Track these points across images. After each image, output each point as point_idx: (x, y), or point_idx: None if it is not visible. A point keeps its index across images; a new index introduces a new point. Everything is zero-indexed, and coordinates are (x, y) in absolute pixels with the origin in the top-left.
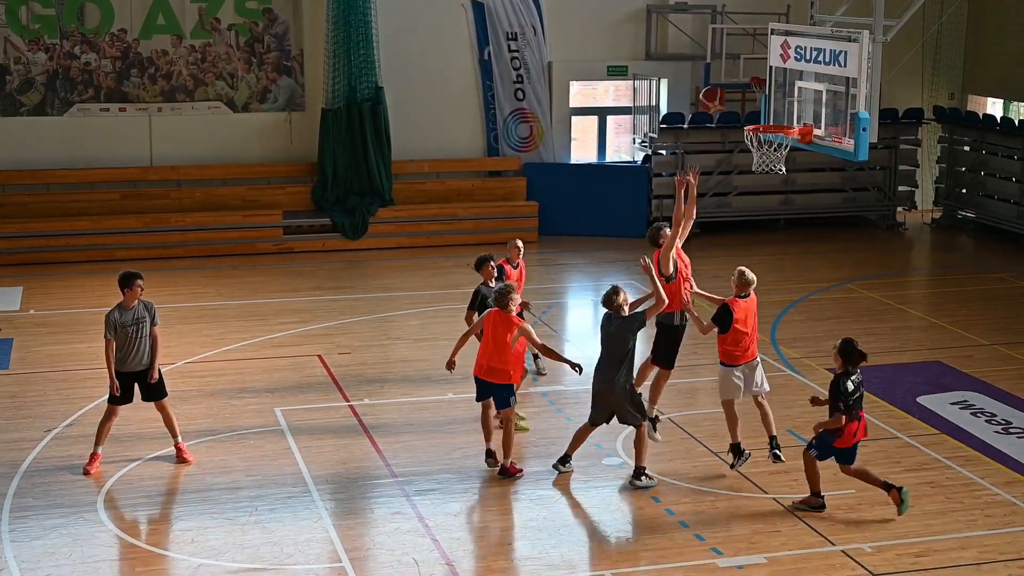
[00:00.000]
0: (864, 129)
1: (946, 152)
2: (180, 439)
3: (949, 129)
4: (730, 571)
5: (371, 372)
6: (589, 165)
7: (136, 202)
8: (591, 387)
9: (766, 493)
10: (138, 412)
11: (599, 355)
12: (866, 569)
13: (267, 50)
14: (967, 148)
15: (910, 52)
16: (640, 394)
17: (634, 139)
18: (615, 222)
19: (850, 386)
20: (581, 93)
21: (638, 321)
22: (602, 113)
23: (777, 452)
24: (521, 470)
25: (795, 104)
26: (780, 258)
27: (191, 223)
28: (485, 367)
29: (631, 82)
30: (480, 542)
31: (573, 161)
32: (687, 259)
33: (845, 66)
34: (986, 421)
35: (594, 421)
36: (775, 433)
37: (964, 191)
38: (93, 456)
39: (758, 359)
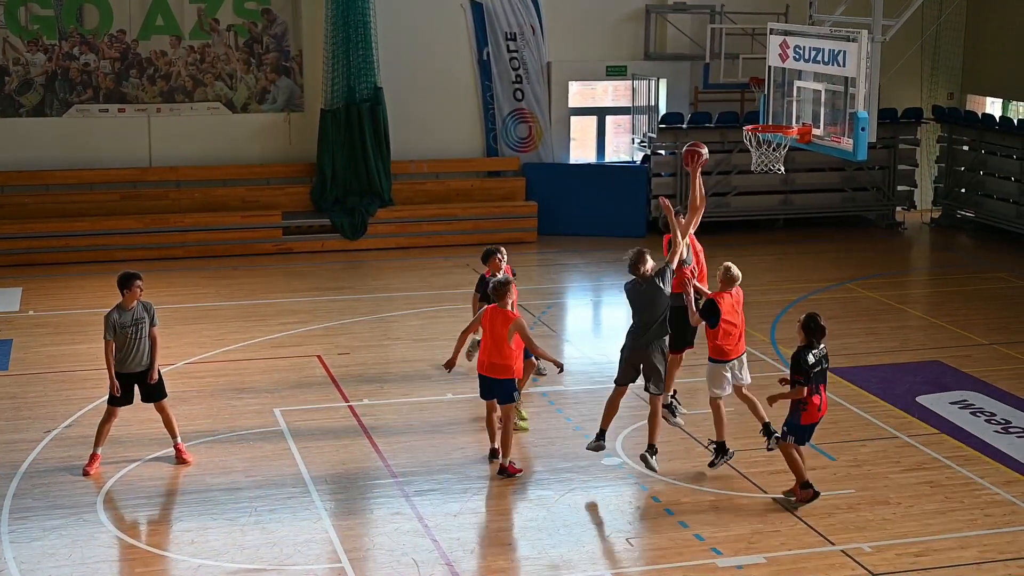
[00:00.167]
0: (863, 129)
1: (945, 152)
2: (180, 440)
3: (948, 129)
4: (730, 571)
5: (371, 372)
6: (588, 165)
7: (135, 203)
8: (621, 352)
9: (766, 493)
10: (138, 413)
11: (632, 321)
12: (866, 569)
13: (266, 51)
14: (966, 147)
15: (909, 52)
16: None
17: (633, 139)
18: (614, 222)
19: (811, 359)
20: (580, 93)
21: (663, 273)
22: (601, 113)
23: (776, 435)
24: (520, 470)
25: (794, 104)
26: (779, 258)
27: (190, 224)
28: (487, 364)
29: (630, 82)
30: (480, 542)
31: (572, 161)
32: (700, 246)
33: (844, 66)
34: (985, 420)
35: (621, 381)
36: (768, 419)
37: (963, 191)
38: (93, 457)
39: (745, 354)
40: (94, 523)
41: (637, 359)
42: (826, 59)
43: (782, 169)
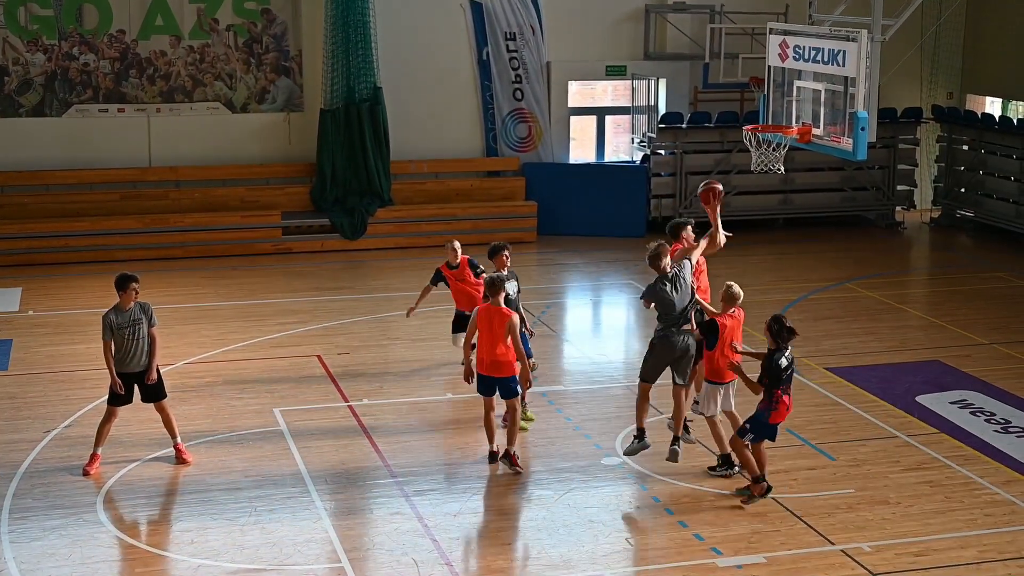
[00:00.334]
0: (863, 128)
1: (945, 151)
2: (179, 440)
3: (948, 128)
4: (729, 571)
5: (370, 372)
6: (588, 165)
7: (135, 203)
8: (651, 348)
9: (767, 495)
10: (137, 413)
11: (663, 318)
12: (865, 568)
13: (265, 51)
14: (966, 147)
15: (909, 51)
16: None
17: (633, 139)
18: (614, 222)
19: (783, 362)
20: (580, 93)
21: (684, 266)
22: (601, 113)
23: (735, 468)
24: (520, 467)
25: (794, 104)
26: (779, 258)
27: (190, 224)
28: (487, 362)
29: (630, 82)
30: (479, 542)
31: (572, 161)
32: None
33: (844, 65)
34: (985, 420)
35: (651, 378)
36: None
37: (963, 190)
38: (93, 457)
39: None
40: (94, 523)
41: (672, 354)
42: (826, 59)
43: (782, 169)
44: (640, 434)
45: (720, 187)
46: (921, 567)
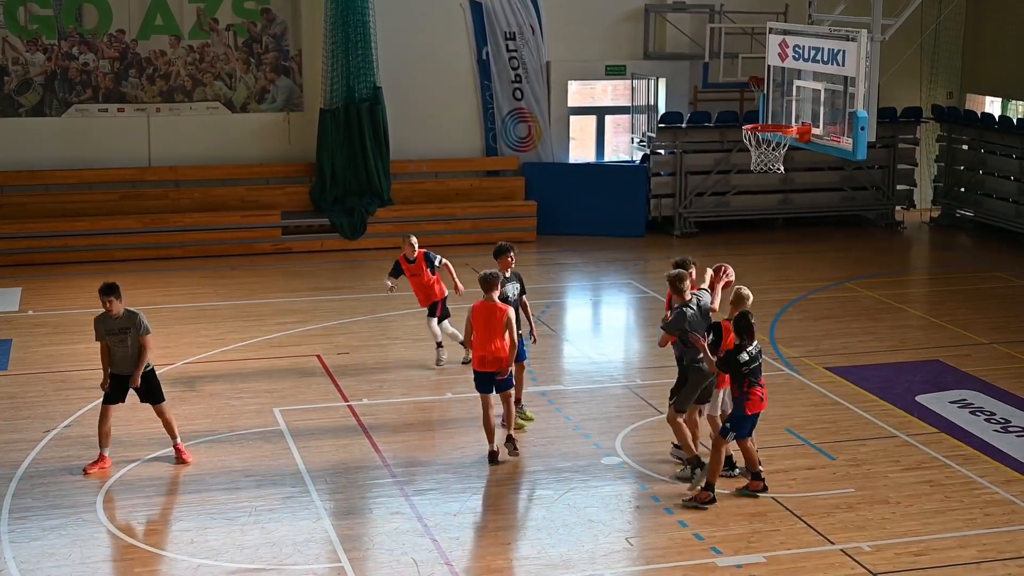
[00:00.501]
0: (862, 128)
1: (944, 151)
2: (179, 440)
3: (947, 128)
4: (729, 570)
5: (370, 372)
6: (587, 165)
7: (135, 203)
8: (687, 376)
9: (765, 492)
10: (137, 413)
11: (688, 342)
12: (865, 568)
13: (265, 50)
14: (965, 147)
15: (908, 51)
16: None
17: (632, 138)
18: (613, 222)
19: (744, 357)
20: (579, 92)
21: (704, 294)
22: (600, 113)
23: (698, 469)
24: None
25: (793, 103)
26: (779, 257)
27: (190, 223)
28: (486, 359)
29: (629, 81)
30: (479, 542)
31: (571, 161)
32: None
33: (843, 65)
34: (985, 420)
35: (687, 408)
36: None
37: (963, 190)
38: (101, 458)
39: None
40: (93, 523)
41: (704, 381)
42: (825, 58)
43: (781, 168)
44: (696, 462)
45: (732, 274)
46: (921, 567)
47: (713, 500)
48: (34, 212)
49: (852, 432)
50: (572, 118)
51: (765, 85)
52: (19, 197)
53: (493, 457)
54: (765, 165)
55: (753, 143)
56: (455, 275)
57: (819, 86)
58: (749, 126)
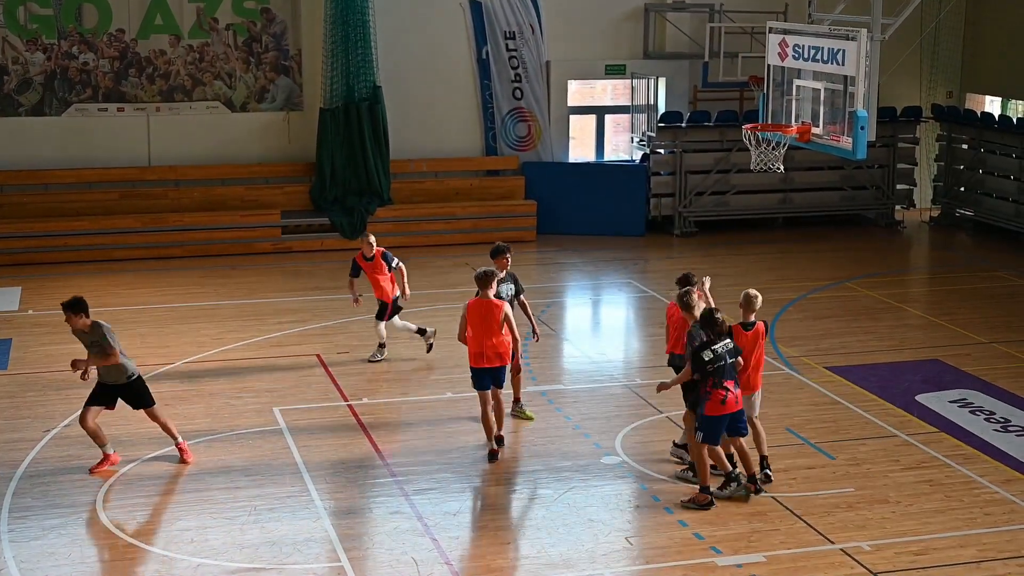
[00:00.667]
0: (862, 127)
1: (944, 150)
2: (180, 439)
3: (947, 127)
4: (729, 569)
5: (370, 371)
6: (587, 164)
7: (134, 202)
8: (732, 405)
9: (765, 492)
10: (138, 412)
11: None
12: (865, 567)
13: (265, 50)
14: (965, 146)
15: (908, 50)
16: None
17: (632, 138)
18: (613, 221)
19: (708, 355)
20: (579, 92)
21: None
22: (600, 112)
23: (768, 472)
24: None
25: (793, 102)
26: (778, 257)
27: (189, 223)
28: (486, 355)
29: (629, 81)
30: (479, 541)
31: (571, 160)
32: None
33: (843, 64)
34: (985, 419)
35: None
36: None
37: (962, 189)
38: (105, 456)
39: (757, 393)
40: (93, 522)
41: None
42: (825, 58)
43: (781, 168)
44: (735, 477)
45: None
46: (921, 566)
47: (712, 503)
48: (34, 211)
49: (852, 431)
50: (572, 117)
51: (765, 84)
52: (19, 196)
53: (493, 456)
54: (765, 164)
55: (753, 142)
56: (406, 281)
57: (819, 85)
58: (749, 125)
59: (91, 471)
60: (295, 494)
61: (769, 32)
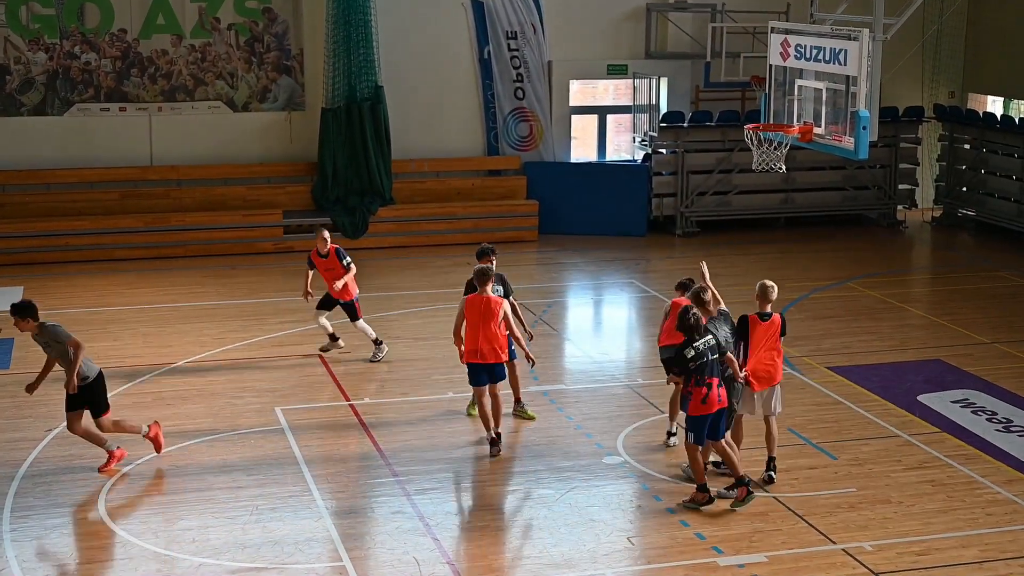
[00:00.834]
0: (864, 127)
1: (946, 150)
2: (116, 448)
3: (949, 127)
4: (731, 570)
5: (372, 371)
6: (589, 164)
7: (136, 202)
8: (735, 387)
9: (767, 492)
10: (139, 412)
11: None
12: (867, 568)
13: (267, 49)
14: (967, 146)
15: (910, 50)
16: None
17: (634, 138)
18: (615, 221)
19: (690, 353)
20: (581, 92)
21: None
22: (602, 112)
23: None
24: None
25: (795, 102)
26: (780, 257)
27: (191, 223)
28: (484, 351)
29: (631, 81)
30: (481, 541)
31: (573, 160)
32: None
33: (845, 64)
34: (987, 419)
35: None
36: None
37: (964, 189)
38: (110, 455)
39: (778, 386)
40: (95, 521)
41: (738, 391)
42: (827, 58)
43: (783, 168)
44: (745, 482)
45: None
46: (923, 566)
47: (711, 501)
48: (36, 211)
49: (854, 432)
50: (574, 117)
51: (767, 84)
52: (21, 196)
53: (493, 444)
54: (767, 164)
55: (755, 142)
56: (350, 279)
57: (821, 85)
58: (751, 125)
59: (100, 470)
60: (297, 494)
61: (771, 32)
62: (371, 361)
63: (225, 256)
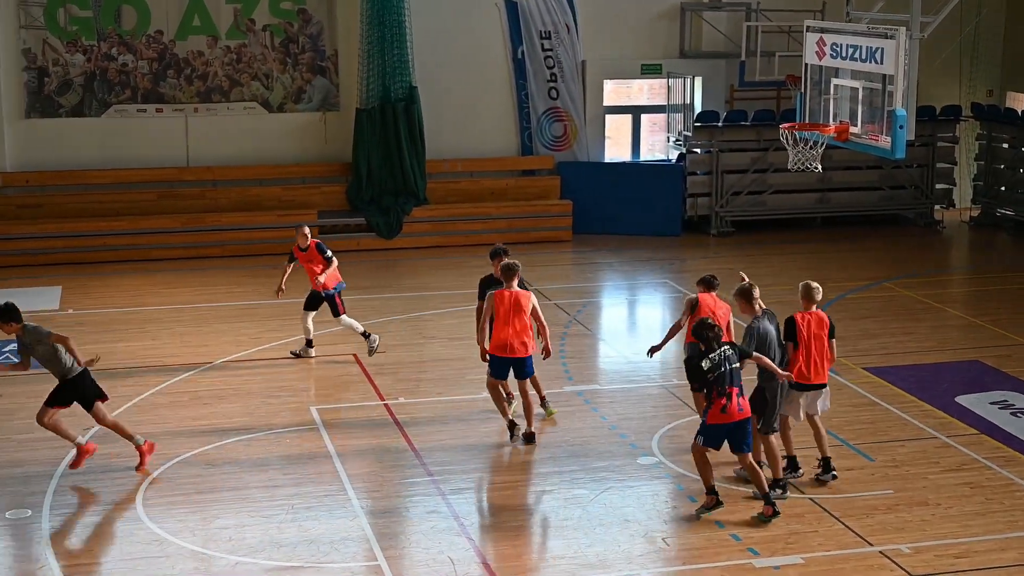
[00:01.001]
0: (901, 127)
1: (984, 149)
2: (83, 441)
3: (987, 126)
4: (767, 571)
5: (406, 371)
6: (623, 164)
7: (172, 202)
8: (764, 395)
9: (803, 493)
10: (176, 411)
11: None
12: (904, 570)
13: (302, 50)
14: (1006, 145)
15: (948, 48)
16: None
17: (668, 137)
18: (649, 221)
19: (706, 364)
20: (615, 91)
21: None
22: (636, 111)
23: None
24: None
25: (831, 102)
26: (817, 257)
27: (227, 223)
28: (510, 345)
29: (665, 80)
30: (515, 541)
31: (607, 160)
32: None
33: (882, 63)
34: None
35: (775, 427)
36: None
37: (1003, 189)
38: (140, 451)
39: (826, 386)
40: (133, 520)
41: (780, 392)
42: (864, 56)
43: (819, 167)
44: (782, 484)
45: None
46: (961, 569)
47: (719, 504)
48: (73, 212)
49: (891, 433)
50: (608, 117)
51: (802, 83)
52: (59, 197)
53: (512, 427)
54: (803, 164)
55: (790, 142)
56: (332, 271)
57: (857, 84)
58: (786, 125)
59: (136, 470)
60: (332, 493)
61: (806, 31)
62: (369, 355)
63: (260, 256)
